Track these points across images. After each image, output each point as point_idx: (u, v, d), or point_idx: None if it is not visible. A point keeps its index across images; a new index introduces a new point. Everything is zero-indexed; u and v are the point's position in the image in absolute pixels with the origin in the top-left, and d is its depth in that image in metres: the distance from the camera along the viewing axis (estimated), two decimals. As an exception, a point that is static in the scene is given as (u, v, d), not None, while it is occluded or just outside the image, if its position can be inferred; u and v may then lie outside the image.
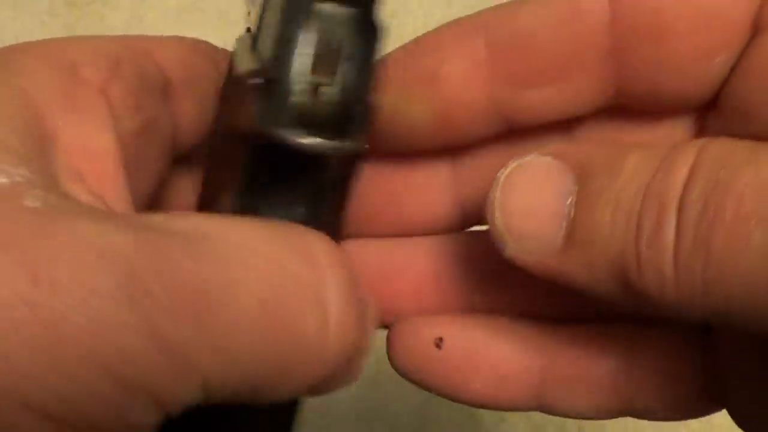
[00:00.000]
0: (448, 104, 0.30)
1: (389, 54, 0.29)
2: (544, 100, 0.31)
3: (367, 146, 0.26)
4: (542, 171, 0.30)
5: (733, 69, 0.31)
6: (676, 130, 0.32)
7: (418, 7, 0.73)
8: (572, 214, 0.29)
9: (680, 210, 0.27)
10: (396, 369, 0.36)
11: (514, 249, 0.30)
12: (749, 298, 0.26)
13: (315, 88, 0.25)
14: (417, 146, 0.31)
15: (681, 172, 0.27)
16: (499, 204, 0.30)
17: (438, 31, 0.30)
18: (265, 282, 0.24)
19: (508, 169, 0.30)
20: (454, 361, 0.35)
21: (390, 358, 0.36)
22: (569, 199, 0.29)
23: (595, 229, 0.28)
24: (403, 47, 0.30)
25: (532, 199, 0.30)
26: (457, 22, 0.30)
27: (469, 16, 0.30)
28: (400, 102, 0.30)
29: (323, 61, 0.25)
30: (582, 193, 0.29)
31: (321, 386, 0.26)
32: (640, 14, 0.30)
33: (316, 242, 0.26)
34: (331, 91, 0.25)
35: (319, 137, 0.24)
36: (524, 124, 0.32)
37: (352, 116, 0.25)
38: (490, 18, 0.30)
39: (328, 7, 0.25)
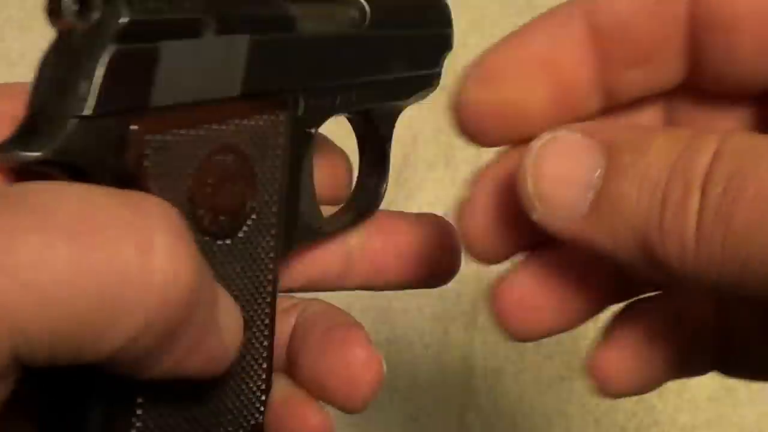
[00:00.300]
0: (562, 86, 0.33)
1: (490, 48, 0.34)
2: (637, 78, 0.34)
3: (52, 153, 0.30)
4: (574, 144, 0.32)
5: None
6: (738, 121, 0.35)
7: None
8: (600, 185, 0.31)
9: (704, 187, 0.29)
10: (611, 394, 0.40)
11: (542, 213, 0.32)
12: (764, 269, 0.28)
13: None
14: (533, 131, 0.34)
15: (705, 156, 0.29)
16: (532, 171, 0.32)
17: (542, 20, 0.34)
18: (77, 221, 0.25)
19: (542, 141, 0.32)
20: (664, 346, 0.39)
21: (601, 388, 0.40)
22: (597, 172, 0.31)
23: (621, 199, 0.31)
24: (505, 40, 0.34)
25: (563, 168, 0.32)
26: (558, 11, 0.34)
27: (567, 4, 0.34)
28: (516, 90, 0.33)
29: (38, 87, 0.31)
30: (610, 167, 0.31)
31: (158, 333, 0.27)
32: (714, 6, 0.33)
33: (147, 198, 0.29)
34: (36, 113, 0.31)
35: (25, 150, 0.30)
36: (621, 101, 0.35)
37: (43, 130, 0.31)
38: (589, 5, 0.33)
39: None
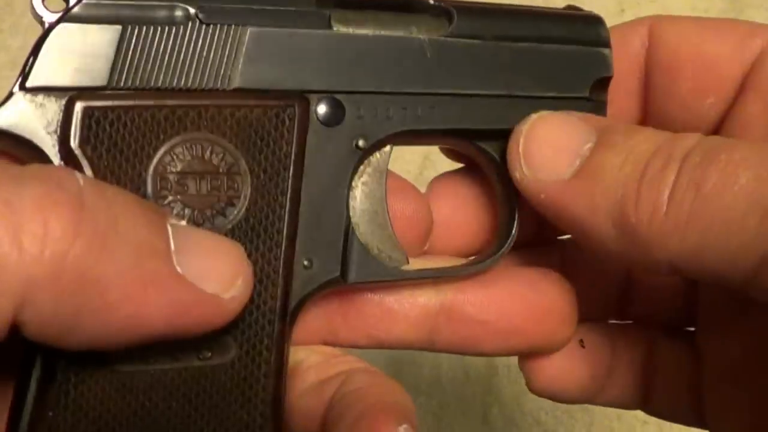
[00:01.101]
0: None
1: None
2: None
3: None
4: (569, 119, 0.36)
5: (726, 117, 0.40)
6: None
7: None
8: (587, 156, 0.35)
9: (683, 160, 0.32)
10: (537, 387, 0.44)
11: (525, 172, 0.36)
12: (725, 231, 0.31)
13: None
14: None
15: (688, 142, 0.33)
16: (526, 133, 0.36)
17: None
18: None
19: (541, 113, 0.37)
20: (595, 359, 0.43)
21: (530, 379, 0.44)
22: (587, 145, 0.35)
23: (604, 169, 0.34)
24: None
25: (554, 135, 0.36)
26: None
27: None
28: None
29: None
30: (599, 142, 0.35)
31: (53, 289, 0.28)
32: (664, 50, 0.40)
33: (36, 167, 0.30)
34: None
35: None
36: None
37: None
38: None
39: None
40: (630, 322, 0.47)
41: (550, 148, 0.36)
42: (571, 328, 0.42)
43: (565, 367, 0.42)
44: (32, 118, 0.33)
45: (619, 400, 0.45)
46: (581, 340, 0.43)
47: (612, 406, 0.46)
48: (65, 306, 0.28)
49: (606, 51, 0.41)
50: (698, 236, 0.31)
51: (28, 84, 0.33)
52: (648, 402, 0.45)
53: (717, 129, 0.40)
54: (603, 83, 0.41)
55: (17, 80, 0.33)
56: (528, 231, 0.43)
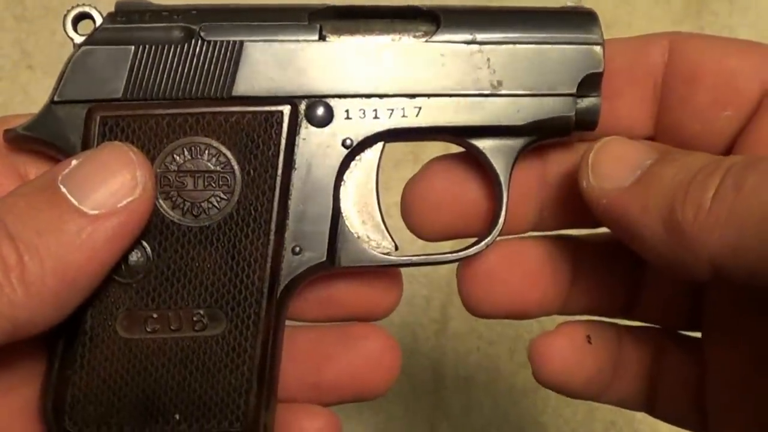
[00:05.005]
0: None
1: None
2: (615, 107, 0.44)
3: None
4: (635, 142, 0.41)
5: (740, 134, 0.43)
6: None
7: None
8: (646, 167, 0.39)
9: (727, 170, 0.36)
10: (544, 378, 0.47)
11: (591, 182, 0.41)
12: (763, 226, 0.34)
13: None
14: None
15: (735, 158, 0.37)
16: (597, 151, 0.41)
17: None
18: None
19: (612, 138, 0.42)
20: (601, 357, 0.47)
21: (538, 369, 0.47)
22: (649, 161, 0.40)
23: (659, 178, 0.39)
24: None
25: (621, 153, 0.41)
26: None
27: None
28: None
29: None
30: (659, 158, 0.40)
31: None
32: (684, 62, 0.43)
33: None
34: None
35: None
36: (615, 128, 0.45)
37: None
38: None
39: None
40: (638, 324, 0.51)
41: (615, 162, 0.40)
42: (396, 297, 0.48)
43: (572, 360, 0.46)
44: (61, 127, 0.40)
45: (623, 399, 0.49)
46: (588, 336, 0.46)
47: (616, 405, 0.49)
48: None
49: (596, 48, 0.43)
50: (737, 232, 0.35)
51: (58, 98, 0.40)
52: (652, 404, 0.48)
53: (731, 144, 0.43)
54: (593, 80, 0.44)
55: (51, 95, 0.42)
56: (526, 221, 0.48)
